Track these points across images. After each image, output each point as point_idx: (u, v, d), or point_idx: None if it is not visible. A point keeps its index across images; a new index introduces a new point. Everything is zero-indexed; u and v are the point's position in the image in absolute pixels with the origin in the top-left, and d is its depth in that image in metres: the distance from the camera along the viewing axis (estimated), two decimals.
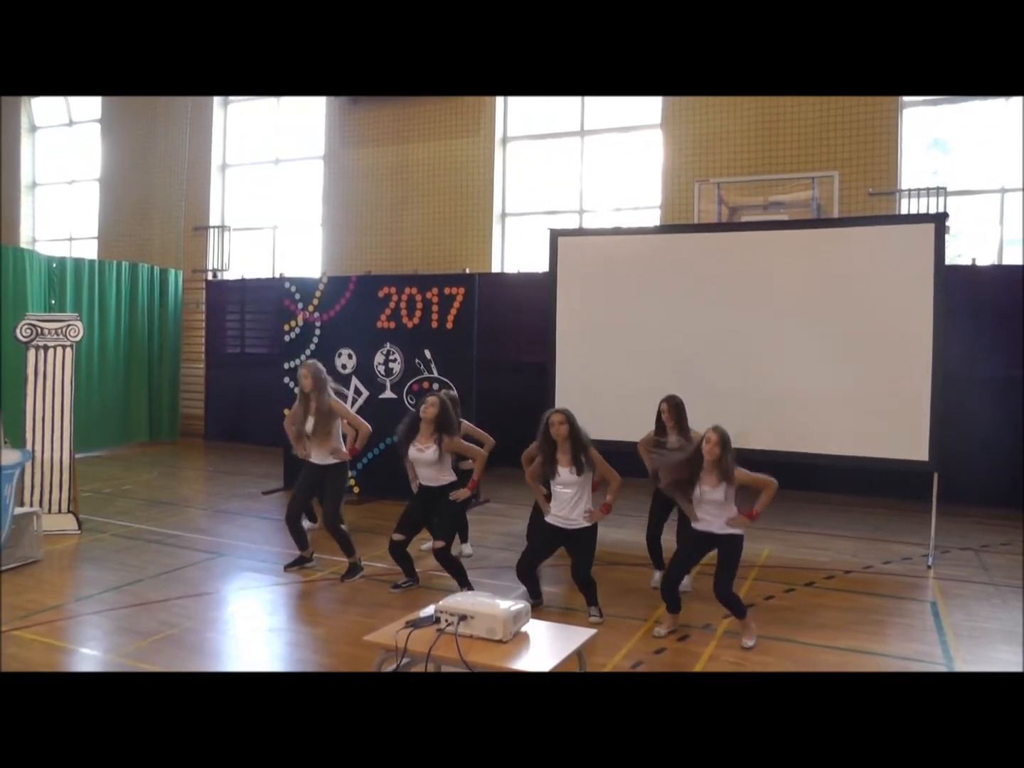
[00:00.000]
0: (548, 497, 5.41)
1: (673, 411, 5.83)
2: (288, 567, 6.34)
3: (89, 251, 14.76)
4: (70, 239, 15.58)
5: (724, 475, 4.80)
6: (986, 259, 9.52)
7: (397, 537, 5.74)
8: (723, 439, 4.82)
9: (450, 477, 5.82)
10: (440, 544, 5.61)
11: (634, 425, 6.28)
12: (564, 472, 5.26)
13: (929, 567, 6.62)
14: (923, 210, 9.41)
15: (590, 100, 11.54)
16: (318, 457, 6.19)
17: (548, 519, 5.40)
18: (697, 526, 5.00)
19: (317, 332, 9.31)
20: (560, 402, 7.89)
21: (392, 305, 8.93)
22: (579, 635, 3.63)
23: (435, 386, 8.59)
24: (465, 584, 5.66)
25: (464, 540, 6.97)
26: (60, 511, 7.31)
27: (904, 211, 9.58)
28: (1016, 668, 4.59)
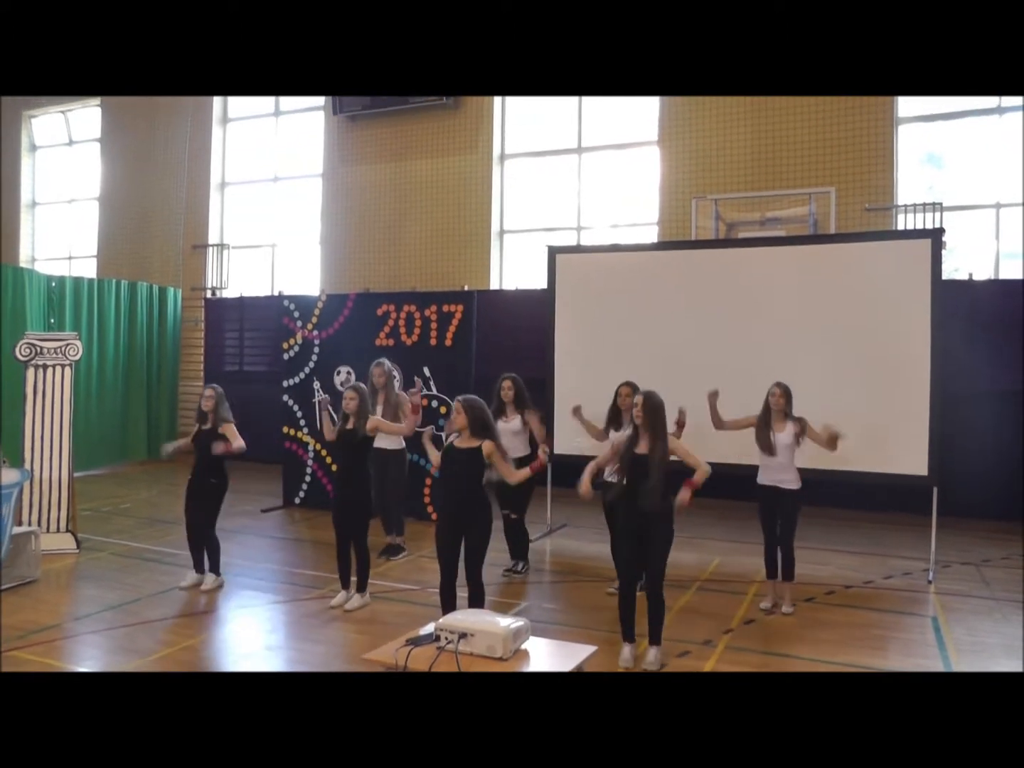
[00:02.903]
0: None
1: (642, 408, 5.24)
2: (382, 554, 7.11)
3: (88, 270, 14.79)
4: (69, 258, 15.62)
5: (790, 418, 5.76)
6: (983, 274, 9.55)
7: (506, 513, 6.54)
8: (786, 392, 5.77)
9: (525, 450, 6.66)
10: (514, 516, 6.57)
11: None
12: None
13: (930, 582, 6.60)
14: (919, 225, 9.44)
15: (587, 117, 11.60)
16: (383, 442, 6.81)
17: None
18: (763, 480, 5.79)
19: (316, 350, 9.32)
20: (559, 418, 7.90)
21: (391, 322, 8.95)
22: (580, 652, 3.62)
23: (433, 403, 8.61)
24: (519, 556, 6.66)
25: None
26: (59, 530, 7.29)
27: (900, 226, 9.61)
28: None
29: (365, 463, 5.85)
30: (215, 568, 6.28)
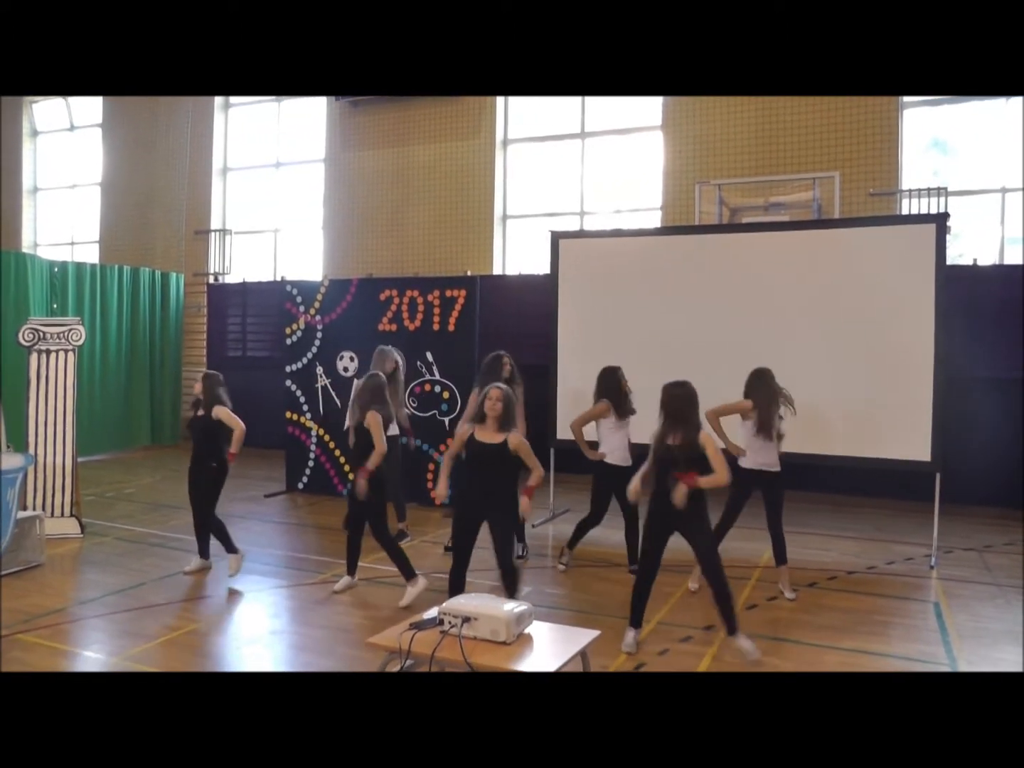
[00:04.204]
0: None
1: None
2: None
3: (91, 255, 14.77)
4: (72, 243, 15.59)
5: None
6: (987, 259, 9.51)
7: None
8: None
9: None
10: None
11: (635, 426, 6.28)
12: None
13: (932, 567, 6.61)
14: (924, 210, 9.40)
15: (590, 102, 11.54)
16: (393, 429, 6.78)
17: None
18: (745, 463, 5.70)
19: (319, 335, 9.31)
20: (562, 404, 7.92)
21: (394, 308, 8.94)
22: (582, 636, 3.63)
23: (436, 388, 8.61)
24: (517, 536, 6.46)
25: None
26: (63, 515, 7.31)
27: (905, 211, 9.57)
28: (1019, 668, 4.58)
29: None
30: (230, 548, 6.17)
